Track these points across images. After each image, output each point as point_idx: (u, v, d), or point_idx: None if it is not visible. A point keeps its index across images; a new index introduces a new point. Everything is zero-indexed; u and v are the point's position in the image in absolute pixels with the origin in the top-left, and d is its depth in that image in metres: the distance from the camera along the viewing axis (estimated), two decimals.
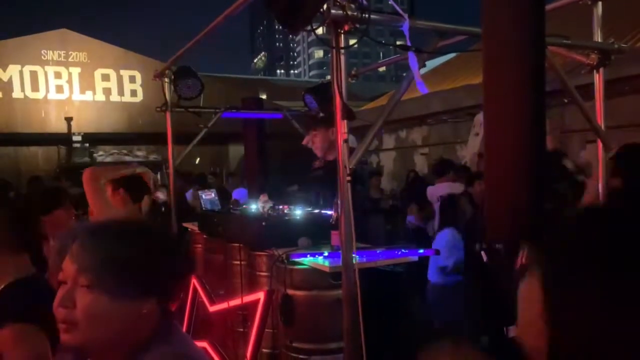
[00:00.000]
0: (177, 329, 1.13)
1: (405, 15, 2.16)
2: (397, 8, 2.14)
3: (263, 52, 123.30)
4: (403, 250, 2.84)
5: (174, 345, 1.07)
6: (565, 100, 5.16)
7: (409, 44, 2.15)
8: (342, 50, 2.17)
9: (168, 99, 4.79)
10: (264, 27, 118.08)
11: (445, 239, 4.31)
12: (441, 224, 4.65)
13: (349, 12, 2.04)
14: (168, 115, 4.81)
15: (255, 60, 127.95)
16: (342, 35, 2.17)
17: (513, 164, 2.21)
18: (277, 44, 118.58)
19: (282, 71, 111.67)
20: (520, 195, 2.22)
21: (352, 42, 2.25)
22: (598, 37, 2.99)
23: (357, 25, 2.07)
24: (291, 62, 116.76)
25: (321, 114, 3.65)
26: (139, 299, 1.02)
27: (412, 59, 2.16)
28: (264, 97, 12.93)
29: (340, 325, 2.30)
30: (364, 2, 2.07)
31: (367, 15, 2.06)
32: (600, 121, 3.00)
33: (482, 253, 2.11)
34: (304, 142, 3.70)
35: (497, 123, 2.16)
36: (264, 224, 3.14)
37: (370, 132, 2.37)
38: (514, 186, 2.22)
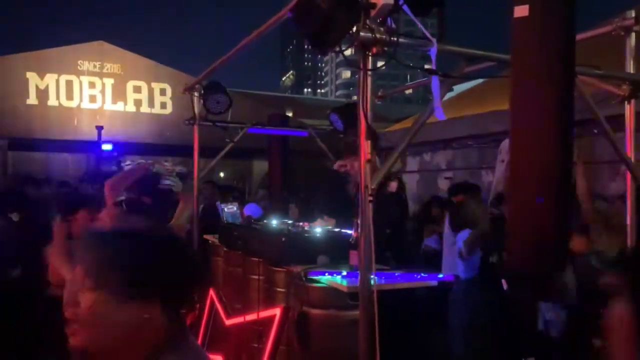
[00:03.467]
0: (190, 341, 1.13)
1: (434, 40, 2.17)
2: (426, 32, 2.16)
3: (291, 71, 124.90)
4: (422, 274, 2.81)
5: (184, 356, 1.07)
6: (595, 131, 5.07)
7: (434, 68, 2.16)
8: (369, 72, 2.20)
9: (196, 112, 4.88)
10: (293, 46, 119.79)
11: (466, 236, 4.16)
12: (456, 225, 4.45)
13: (378, 35, 2.06)
14: (196, 128, 4.91)
15: (283, 78, 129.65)
16: (370, 57, 2.19)
17: (538, 194, 2.18)
18: (306, 63, 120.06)
19: (310, 90, 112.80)
20: (544, 225, 2.18)
21: (379, 64, 2.28)
22: (630, 68, 2.95)
23: (386, 49, 2.10)
24: (318, 82, 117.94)
25: (353, 138, 3.65)
26: (140, 302, 1.02)
27: (435, 83, 2.17)
28: (290, 114, 13.07)
29: (356, 346, 2.28)
30: (393, 26, 2.09)
31: (395, 39, 2.08)
32: (630, 153, 2.95)
33: (503, 281, 2.07)
34: (336, 166, 3.72)
35: (523, 151, 2.13)
36: (283, 239, 3.16)
37: (393, 154, 2.37)
38: (538, 216, 2.19)
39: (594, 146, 6.05)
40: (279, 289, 3.13)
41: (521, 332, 2.07)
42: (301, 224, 3.80)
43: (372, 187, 2.22)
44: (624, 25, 2.86)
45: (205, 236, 4.85)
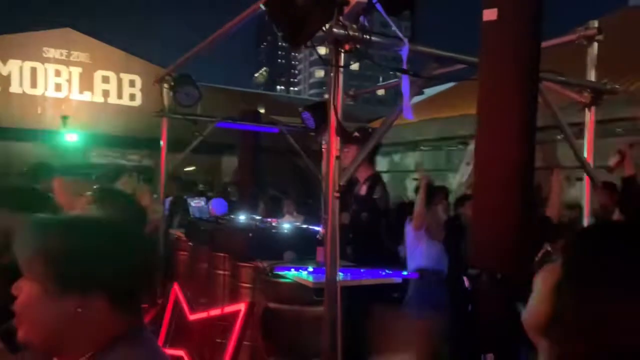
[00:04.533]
0: (145, 336, 1.09)
1: (405, 40, 2.20)
2: (398, 32, 2.18)
3: (265, 68, 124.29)
4: (387, 271, 2.85)
5: (136, 351, 1.03)
6: (559, 137, 5.23)
7: (405, 67, 2.19)
8: (341, 70, 2.21)
9: (166, 104, 4.81)
10: (267, 43, 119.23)
11: None
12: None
13: (351, 32, 2.08)
14: (164, 120, 4.83)
15: (256, 75, 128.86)
16: (343, 54, 2.21)
17: (501, 195, 2.23)
18: (279, 60, 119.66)
19: (283, 87, 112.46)
20: (507, 226, 2.24)
21: (352, 62, 2.29)
22: (592, 76, 3.05)
23: (358, 46, 2.11)
24: (291, 80, 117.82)
25: (355, 134, 3.57)
26: (79, 294, 0.97)
27: (405, 83, 2.20)
28: (262, 111, 13.00)
29: (319, 341, 2.29)
30: (366, 24, 2.11)
31: (367, 37, 2.10)
32: (590, 158, 3.05)
33: (465, 279, 2.12)
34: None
35: (488, 151, 2.19)
36: (250, 235, 3.14)
37: (361, 153, 2.40)
38: (501, 217, 2.24)
39: (557, 152, 6.24)
40: (244, 285, 3.11)
41: (483, 328, 2.12)
42: (269, 219, 3.80)
43: (341, 184, 2.23)
44: (587, 35, 2.96)
45: (170, 230, 4.79)
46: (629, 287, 0.70)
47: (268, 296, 2.78)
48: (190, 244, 4.19)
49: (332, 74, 2.21)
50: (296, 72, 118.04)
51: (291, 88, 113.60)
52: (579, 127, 3.14)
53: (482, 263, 2.19)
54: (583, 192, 3.09)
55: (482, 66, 2.13)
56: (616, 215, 3.30)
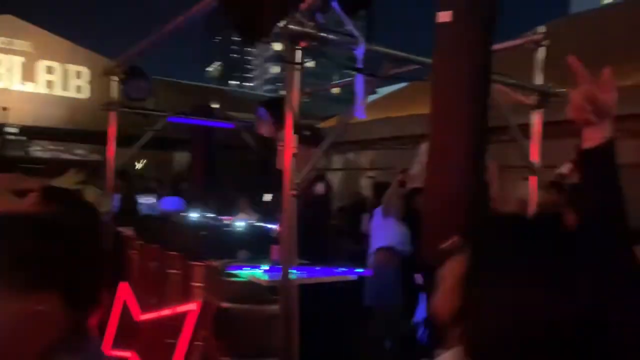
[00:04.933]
0: (90, 340, 1.05)
1: (362, 39, 2.21)
2: (354, 30, 2.19)
3: (218, 62, 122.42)
4: (342, 269, 2.86)
5: (80, 356, 0.99)
6: (505, 138, 5.41)
7: (360, 66, 2.20)
8: (297, 66, 2.20)
9: (115, 97, 4.64)
10: (222, 37, 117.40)
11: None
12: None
13: (307, 29, 2.07)
14: (112, 114, 4.66)
15: (209, 69, 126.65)
16: (299, 51, 2.19)
17: (452, 194, 2.28)
18: (233, 54, 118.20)
19: (237, 82, 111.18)
20: (457, 225, 2.29)
21: (308, 60, 2.28)
22: (539, 79, 3.17)
23: (314, 43, 2.11)
24: (245, 75, 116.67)
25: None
26: (31, 293, 0.93)
27: (359, 82, 2.21)
28: (217, 106, 12.77)
29: (274, 341, 2.27)
30: (322, 21, 2.10)
31: (324, 34, 2.10)
32: (536, 158, 3.17)
33: (416, 276, 2.16)
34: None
35: (441, 150, 2.23)
36: (203, 233, 3.08)
37: (316, 152, 2.39)
38: (452, 215, 2.30)
39: (506, 152, 6.46)
40: (196, 284, 3.05)
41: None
42: (223, 217, 3.74)
43: (297, 181, 2.22)
44: (534, 40, 3.07)
45: (119, 228, 4.62)
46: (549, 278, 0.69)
47: (220, 295, 2.73)
48: (139, 242, 4.06)
49: (287, 71, 2.19)
50: (251, 67, 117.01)
51: (245, 83, 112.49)
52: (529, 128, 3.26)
53: (432, 261, 2.23)
54: (529, 191, 3.21)
55: (435, 67, 2.17)
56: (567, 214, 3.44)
